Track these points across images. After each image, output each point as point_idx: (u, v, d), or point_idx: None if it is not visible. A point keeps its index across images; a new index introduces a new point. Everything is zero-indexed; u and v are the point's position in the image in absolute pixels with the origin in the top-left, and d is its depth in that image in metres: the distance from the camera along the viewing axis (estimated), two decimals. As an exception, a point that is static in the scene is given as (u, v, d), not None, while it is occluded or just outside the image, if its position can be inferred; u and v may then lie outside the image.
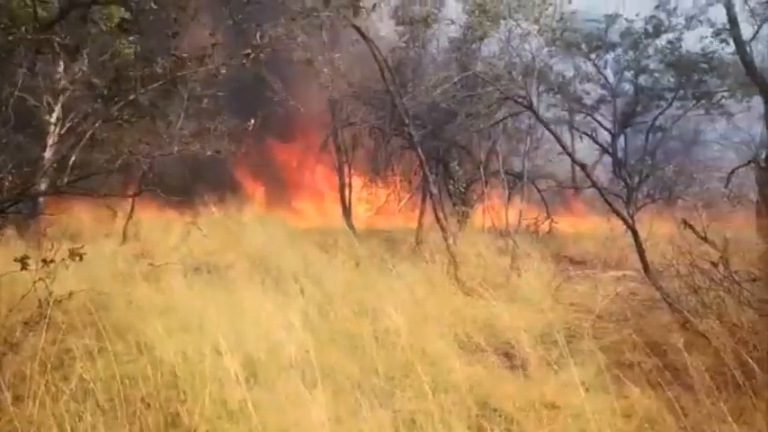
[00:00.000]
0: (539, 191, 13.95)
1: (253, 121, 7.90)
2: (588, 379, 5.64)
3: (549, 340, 7.31)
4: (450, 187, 13.13)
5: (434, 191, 9.84)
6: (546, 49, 13.05)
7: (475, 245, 11.10)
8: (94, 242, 16.31)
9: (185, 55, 5.29)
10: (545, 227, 14.00)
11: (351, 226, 16.82)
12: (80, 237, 17.58)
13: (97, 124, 5.55)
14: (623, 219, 7.33)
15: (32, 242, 13.83)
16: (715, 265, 5.53)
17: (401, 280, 9.48)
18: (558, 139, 8.00)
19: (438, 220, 9.92)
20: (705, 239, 6.82)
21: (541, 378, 5.66)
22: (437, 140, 12.30)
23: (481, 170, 11.79)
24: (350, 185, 16.84)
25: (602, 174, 20.06)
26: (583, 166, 7.70)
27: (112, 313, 7.51)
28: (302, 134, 17.36)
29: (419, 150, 9.36)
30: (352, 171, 16.48)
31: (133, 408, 4.93)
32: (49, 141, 14.14)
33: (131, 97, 5.08)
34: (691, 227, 8.15)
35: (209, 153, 7.22)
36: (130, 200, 17.65)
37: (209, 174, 19.75)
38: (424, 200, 14.68)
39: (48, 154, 14.05)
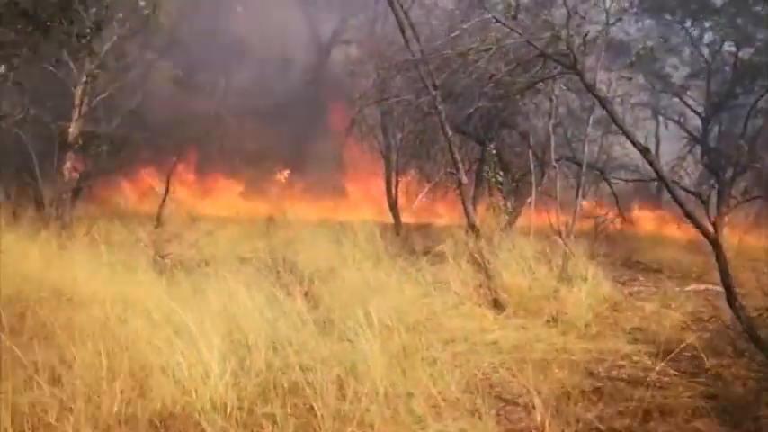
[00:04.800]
0: (609, 184, 11.85)
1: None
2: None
3: (579, 388, 5.38)
4: (499, 177, 11.16)
5: (464, 179, 8.03)
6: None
7: (521, 247, 9.18)
8: (138, 225, 15.51)
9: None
10: (615, 227, 11.90)
11: (396, 218, 15.20)
12: (119, 219, 16.86)
13: None
14: (697, 225, 5.32)
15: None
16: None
17: (417, 286, 7.79)
18: (611, 114, 6.02)
19: (467, 215, 8.11)
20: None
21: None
22: (484, 120, 10.43)
23: (530, 156, 9.77)
24: (397, 173, 15.22)
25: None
26: (644, 151, 5.72)
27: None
28: (337, 115, 15.85)
29: (446, 129, 7.58)
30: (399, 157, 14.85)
31: None
32: (74, 115, 13.10)
33: None
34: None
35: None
36: (166, 181, 16.81)
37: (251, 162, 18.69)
38: (476, 192, 12.79)
39: (72, 128, 13.07)
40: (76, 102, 13.01)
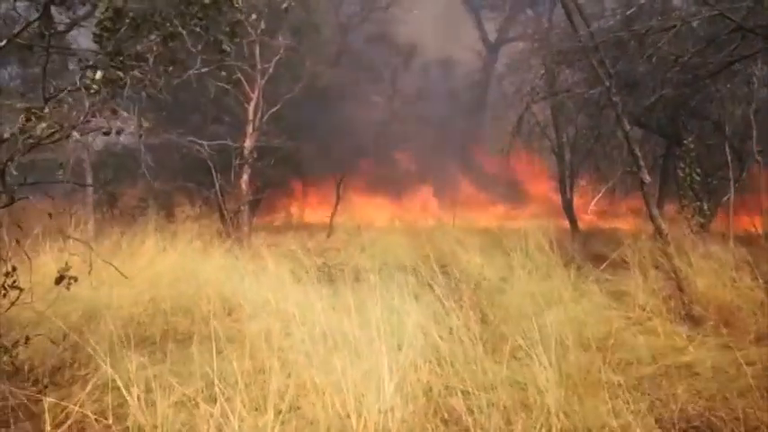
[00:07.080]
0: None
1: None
2: None
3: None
4: (696, 176, 9.87)
5: (647, 179, 7.07)
6: None
7: (719, 253, 7.99)
8: (309, 235, 16.08)
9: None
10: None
11: (573, 223, 14.23)
12: (293, 229, 17.54)
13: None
14: None
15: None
16: None
17: (596, 298, 6.98)
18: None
19: (652, 218, 7.15)
20: None
21: None
22: (669, 110, 9.30)
23: (726, 149, 8.47)
24: (571, 175, 14.27)
25: None
26: None
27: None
28: (505, 114, 15.16)
29: (624, 122, 6.70)
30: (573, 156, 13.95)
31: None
32: (249, 130, 13.68)
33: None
34: None
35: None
36: (336, 191, 17.11)
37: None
38: (662, 192, 11.57)
39: (248, 143, 13.65)
40: (249, 117, 13.57)
